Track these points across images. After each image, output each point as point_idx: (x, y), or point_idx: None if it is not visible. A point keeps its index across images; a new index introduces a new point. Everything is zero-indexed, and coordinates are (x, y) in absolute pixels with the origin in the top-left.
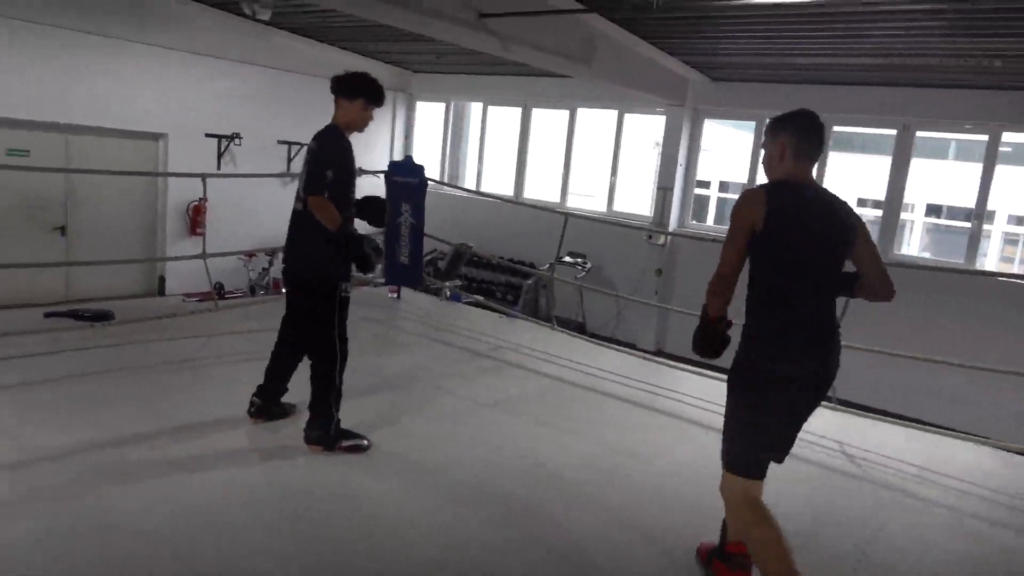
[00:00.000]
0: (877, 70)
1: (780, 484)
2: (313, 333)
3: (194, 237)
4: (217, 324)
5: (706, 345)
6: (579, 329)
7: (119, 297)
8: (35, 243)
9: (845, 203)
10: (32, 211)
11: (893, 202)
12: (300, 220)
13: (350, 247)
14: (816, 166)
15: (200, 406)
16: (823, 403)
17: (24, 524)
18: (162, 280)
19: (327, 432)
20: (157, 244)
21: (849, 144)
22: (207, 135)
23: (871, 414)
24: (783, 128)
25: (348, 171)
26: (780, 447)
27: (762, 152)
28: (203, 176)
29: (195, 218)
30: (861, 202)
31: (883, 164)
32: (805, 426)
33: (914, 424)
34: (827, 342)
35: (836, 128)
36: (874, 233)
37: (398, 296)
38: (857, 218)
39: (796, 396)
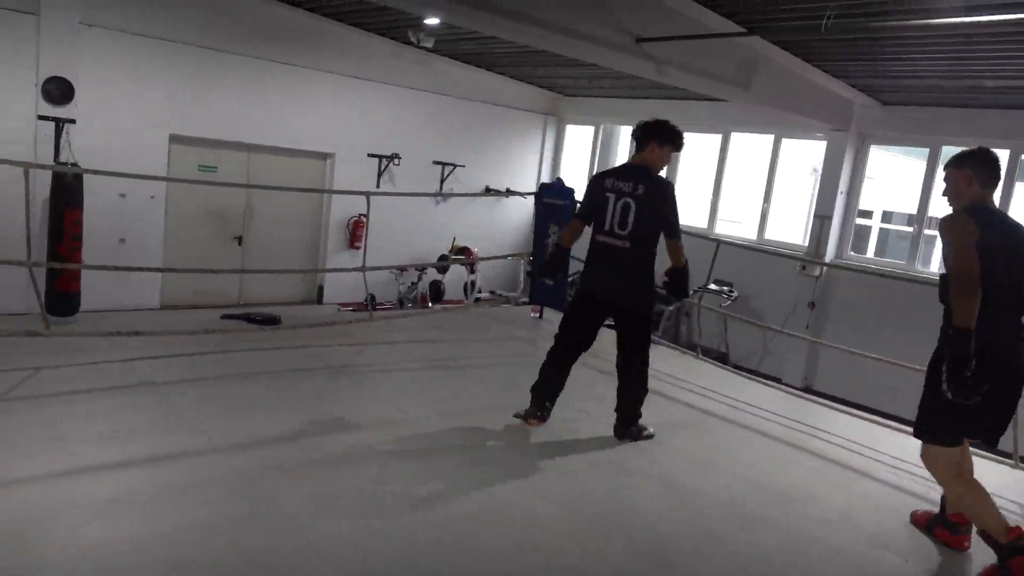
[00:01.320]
0: None
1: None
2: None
3: (351, 250)
4: (370, 333)
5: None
6: (721, 359)
7: (283, 303)
8: (217, 251)
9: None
10: (216, 221)
11: None
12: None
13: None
14: (998, 196)
15: (354, 409)
16: (1002, 459)
17: (199, 510)
18: (321, 289)
19: (631, 425)
20: (319, 255)
21: None
22: (369, 155)
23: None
24: (969, 162)
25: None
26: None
27: (943, 184)
28: (367, 193)
29: (355, 232)
30: None
31: None
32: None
33: None
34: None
35: None
36: None
37: (540, 316)
38: None
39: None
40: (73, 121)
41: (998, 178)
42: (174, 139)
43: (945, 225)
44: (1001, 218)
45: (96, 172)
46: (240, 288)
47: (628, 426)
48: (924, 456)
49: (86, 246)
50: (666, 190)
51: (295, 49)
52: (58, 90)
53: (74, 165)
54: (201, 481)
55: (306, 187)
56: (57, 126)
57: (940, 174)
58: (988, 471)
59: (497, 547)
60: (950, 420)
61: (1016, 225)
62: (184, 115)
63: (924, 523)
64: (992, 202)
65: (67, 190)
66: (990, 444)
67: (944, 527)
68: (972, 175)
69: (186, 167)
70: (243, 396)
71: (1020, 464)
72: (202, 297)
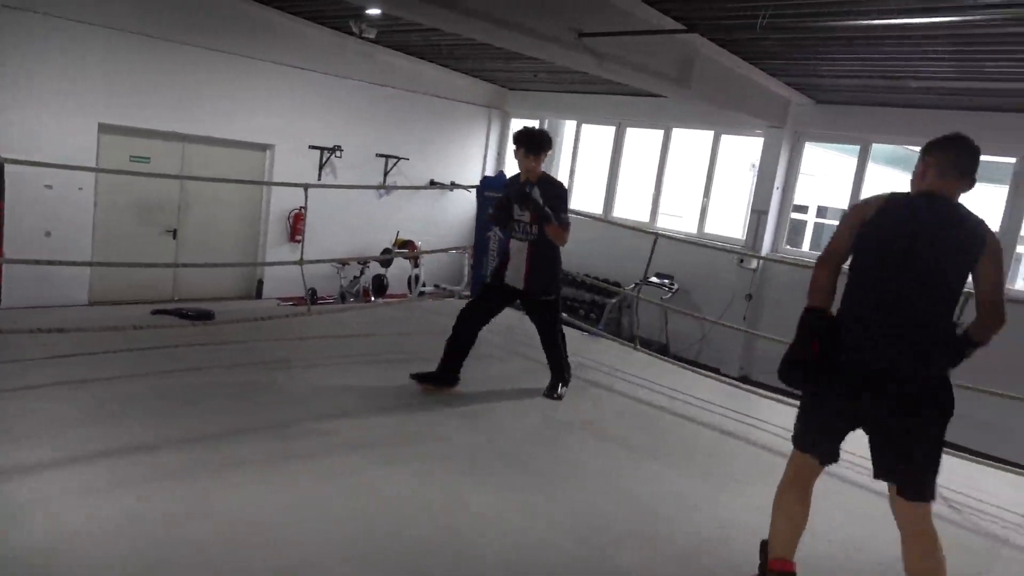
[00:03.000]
0: (995, 95)
1: (871, 521)
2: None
3: (292, 244)
4: (310, 328)
5: (788, 355)
6: (662, 350)
7: (220, 298)
8: (149, 244)
9: (980, 221)
10: (149, 214)
11: (1008, 234)
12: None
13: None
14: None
15: (291, 405)
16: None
17: (120, 508)
18: (260, 284)
19: (558, 383)
20: (258, 249)
21: None
22: (310, 147)
23: (971, 456)
24: (932, 148)
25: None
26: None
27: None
28: (305, 186)
29: (295, 226)
30: None
31: (998, 194)
32: None
33: (1020, 470)
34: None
35: None
36: None
37: None
38: (987, 236)
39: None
40: None
41: (962, 168)
42: (104, 128)
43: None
44: (926, 204)
45: (19, 162)
46: (175, 283)
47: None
48: None
49: (8, 239)
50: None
51: (233, 38)
52: None
53: None
54: (126, 480)
55: (244, 179)
56: None
57: (871, 170)
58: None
59: (436, 538)
60: (800, 421)
61: (945, 215)
62: (115, 104)
63: None
64: (950, 193)
65: None
66: (822, 462)
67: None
68: (932, 163)
69: (117, 158)
70: (172, 393)
71: None
72: (134, 292)
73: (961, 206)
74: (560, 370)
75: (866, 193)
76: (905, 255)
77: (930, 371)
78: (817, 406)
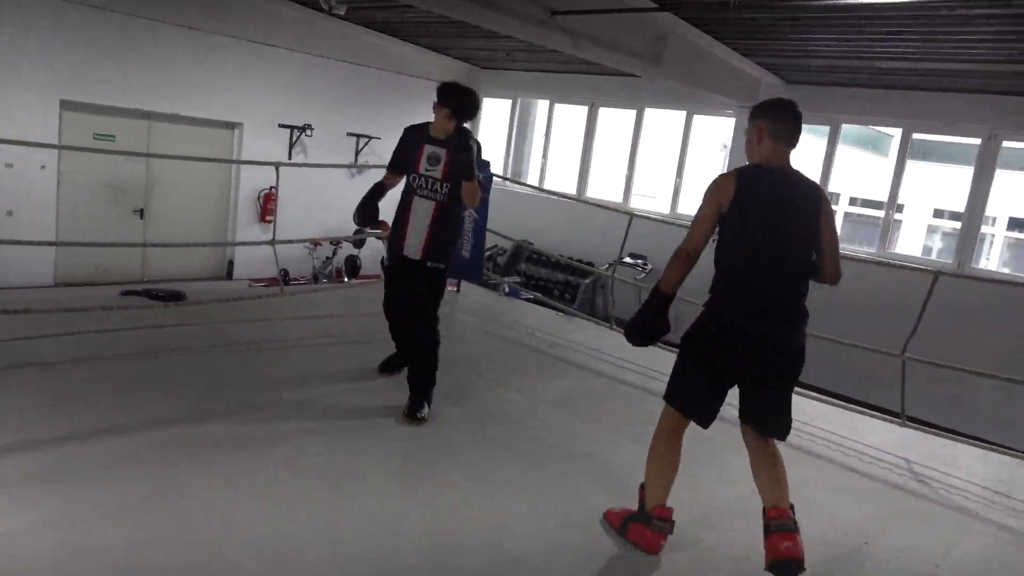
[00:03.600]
0: (963, 76)
1: (843, 498)
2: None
3: (263, 224)
4: (282, 309)
5: (642, 326)
6: None
7: (190, 279)
8: (116, 224)
9: (815, 184)
10: (115, 193)
11: (973, 214)
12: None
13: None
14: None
15: (263, 387)
16: (891, 419)
17: (90, 494)
18: (231, 264)
19: (423, 399)
20: (228, 229)
21: (928, 153)
22: (280, 125)
23: (942, 432)
24: (761, 112)
25: (400, 154)
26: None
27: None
28: (276, 165)
29: (265, 206)
30: (938, 213)
31: (964, 174)
32: (871, 440)
33: (989, 445)
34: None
35: (916, 135)
36: (951, 246)
37: (457, 289)
38: (821, 197)
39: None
40: None
41: (795, 131)
42: (66, 105)
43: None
44: (775, 178)
45: None
46: (143, 263)
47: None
48: None
49: None
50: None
51: (200, 13)
52: None
53: None
54: (93, 464)
55: (212, 158)
56: None
57: (840, 152)
58: (876, 428)
59: (416, 525)
60: (682, 384)
61: (792, 185)
62: (77, 80)
63: (619, 521)
64: (785, 159)
65: None
66: (701, 423)
67: (640, 522)
68: (764, 127)
69: (81, 135)
70: (141, 375)
71: (907, 423)
72: (101, 274)
73: (798, 172)
74: (430, 380)
75: (836, 173)
76: (772, 234)
77: (797, 340)
78: (704, 370)
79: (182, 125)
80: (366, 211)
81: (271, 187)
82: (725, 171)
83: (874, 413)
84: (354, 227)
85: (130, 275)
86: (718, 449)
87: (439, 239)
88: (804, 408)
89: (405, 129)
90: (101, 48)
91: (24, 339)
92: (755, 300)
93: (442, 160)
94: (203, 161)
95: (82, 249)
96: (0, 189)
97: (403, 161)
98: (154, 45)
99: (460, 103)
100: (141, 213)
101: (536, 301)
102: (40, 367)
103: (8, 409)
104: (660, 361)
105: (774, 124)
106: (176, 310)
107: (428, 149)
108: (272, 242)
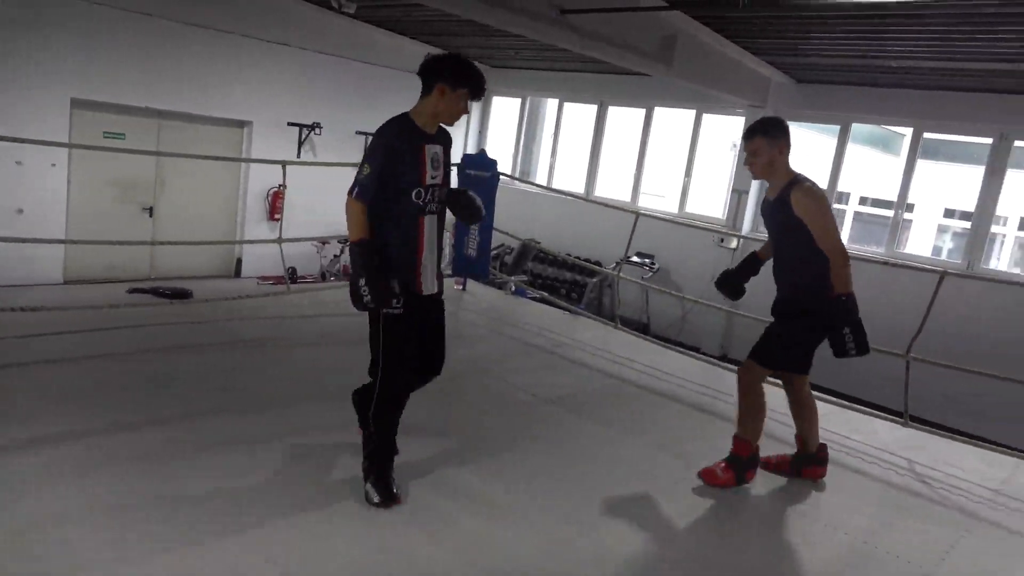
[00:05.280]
0: (975, 75)
1: (844, 498)
2: (371, 344)
3: (271, 222)
4: (288, 307)
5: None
6: (643, 329)
7: (198, 277)
8: (125, 222)
9: None
10: (124, 192)
11: (984, 214)
12: None
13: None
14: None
15: (269, 384)
16: (894, 419)
17: (98, 491)
18: (239, 262)
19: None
20: (236, 227)
21: (937, 152)
22: (289, 124)
23: (945, 433)
24: (781, 133)
25: (393, 163)
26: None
27: (757, 155)
28: (283, 163)
29: (274, 204)
30: (948, 213)
31: (974, 174)
32: (874, 440)
33: (992, 446)
34: None
35: (927, 135)
36: (960, 246)
37: (464, 288)
38: None
39: None
40: None
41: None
42: (77, 103)
43: (812, 197)
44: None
45: None
46: (151, 261)
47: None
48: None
49: None
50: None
51: (210, 11)
52: None
53: None
54: (100, 461)
55: (221, 156)
56: None
57: (850, 151)
58: (879, 428)
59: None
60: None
61: None
62: (88, 79)
63: (786, 467)
64: None
65: None
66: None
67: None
68: (784, 146)
69: (91, 134)
70: (148, 373)
71: (910, 423)
72: (110, 271)
73: None
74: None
75: (846, 172)
76: None
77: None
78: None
79: (192, 123)
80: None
81: (279, 185)
82: (811, 182)
83: (878, 413)
84: None
85: (139, 273)
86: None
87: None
88: None
89: (389, 126)
90: (112, 46)
91: (33, 336)
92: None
93: (441, 160)
94: (212, 159)
95: (91, 247)
96: (10, 187)
97: (396, 173)
98: (165, 44)
99: (479, 82)
100: (150, 211)
101: (543, 300)
102: (48, 364)
103: (18, 406)
104: (666, 361)
105: (788, 143)
106: (182, 308)
107: (430, 150)
108: (279, 240)
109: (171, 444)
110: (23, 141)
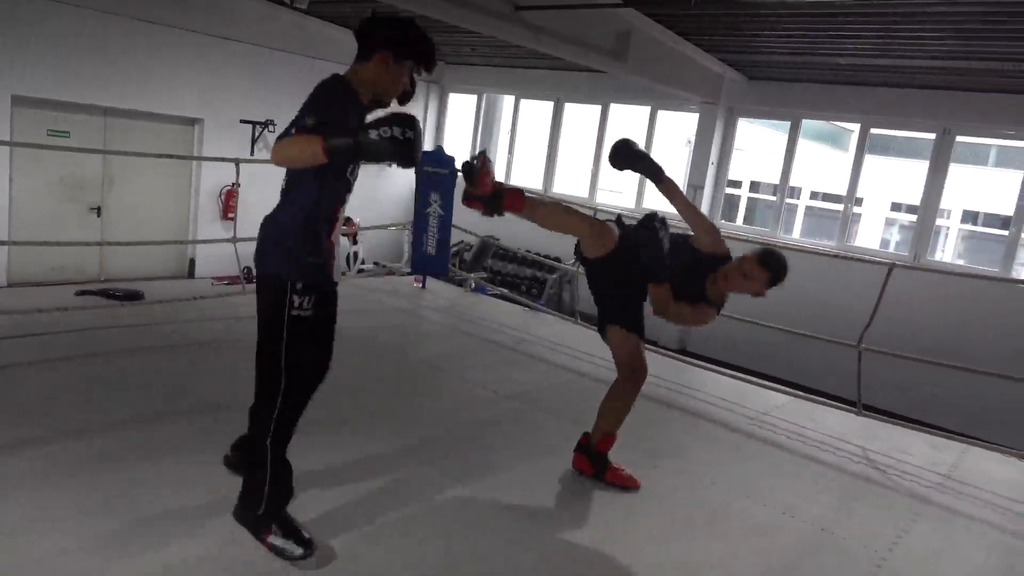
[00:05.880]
0: (919, 72)
1: (800, 486)
2: (259, 355)
3: (225, 221)
4: (243, 307)
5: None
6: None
7: (150, 278)
8: (72, 222)
9: None
10: (70, 191)
11: (928, 207)
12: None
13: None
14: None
15: (222, 387)
16: (848, 408)
17: (51, 496)
18: (192, 263)
19: (253, 511)
20: (189, 227)
21: (885, 148)
22: (242, 121)
23: (897, 420)
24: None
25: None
26: None
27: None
28: (236, 161)
29: (227, 203)
30: (895, 206)
31: (919, 168)
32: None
33: (941, 432)
34: None
35: (874, 130)
36: (907, 239)
37: (423, 285)
38: None
39: None
40: None
41: None
42: (18, 101)
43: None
44: None
45: None
46: (101, 263)
47: (245, 511)
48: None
49: None
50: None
51: (157, 6)
52: None
53: None
54: (47, 470)
55: (171, 154)
56: None
57: (801, 146)
58: (832, 417)
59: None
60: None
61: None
62: (29, 75)
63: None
64: None
65: None
66: None
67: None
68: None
69: (34, 132)
70: (99, 377)
71: (863, 412)
72: (57, 273)
73: None
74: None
75: (797, 167)
76: None
77: None
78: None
79: (141, 121)
80: None
81: (233, 183)
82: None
83: (831, 403)
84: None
85: (88, 275)
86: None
87: None
88: (763, 398)
89: (335, 87)
90: (54, 42)
91: None
92: None
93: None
94: (162, 157)
95: (36, 248)
96: None
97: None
98: (110, 39)
99: (430, 54)
100: (98, 211)
101: (503, 297)
102: None
103: None
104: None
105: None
106: (134, 309)
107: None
108: (234, 239)
109: (124, 448)
110: None
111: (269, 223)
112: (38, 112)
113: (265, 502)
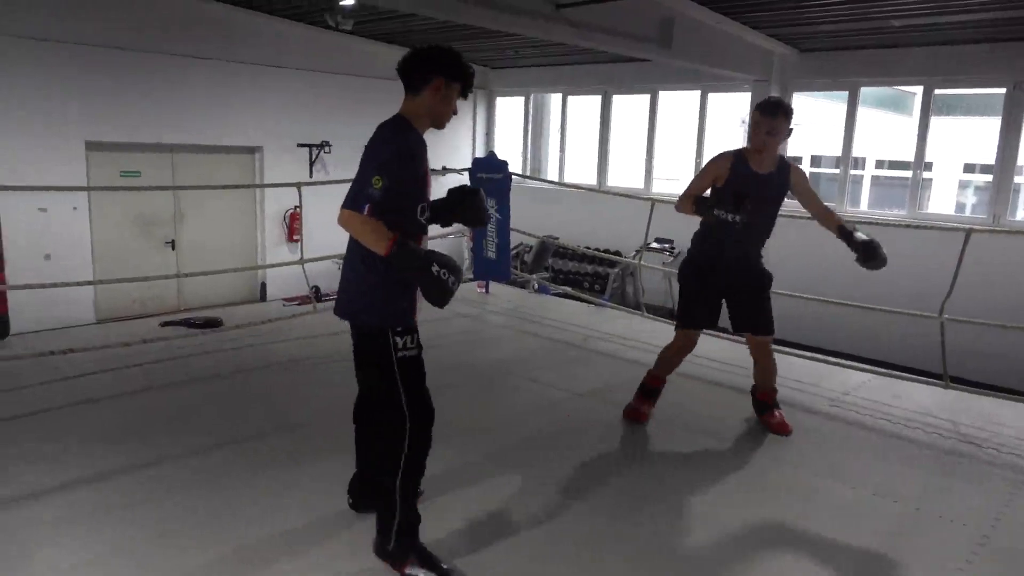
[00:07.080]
0: (982, 26)
1: (892, 466)
2: (376, 399)
3: (291, 243)
4: (316, 326)
5: None
6: (669, 315)
7: (225, 304)
8: (149, 257)
9: None
10: (145, 227)
11: (1005, 166)
12: (351, 244)
13: (407, 266)
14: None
15: (304, 405)
16: (934, 382)
17: (151, 517)
18: (264, 286)
19: (386, 542)
20: (257, 252)
21: (952, 108)
22: (299, 145)
23: (987, 391)
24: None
25: (409, 175)
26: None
27: (777, 134)
28: (298, 185)
29: (292, 225)
30: (968, 168)
31: (991, 126)
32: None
33: None
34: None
35: (938, 91)
36: (982, 199)
37: (487, 291)
38: None
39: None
40: None
41: None
42: (91, 146)
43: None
44: None
45: (8, 188)
46: (179, 293)
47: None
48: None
49: (8, 265)
50: (373, 143)
51: (207, 42)
52: None
53: None
54: (151, 495)
55: (235, 184)
56: None
57: (862, 115)
58: (918, 393)
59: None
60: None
61: None
62: (99, 120)
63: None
64: None
65: None
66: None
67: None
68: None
69: (107, 174)
70: (188, 403)
71: (950, 385)
72: (140, 306)
73: None
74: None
75: (859, 137)
76: None
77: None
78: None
79: (204, 154)
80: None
81: (295, 207)
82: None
83: (917, 377)
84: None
85: (168, 305)
86: None
87: None
88: (845, 378)
89: (401, 130)
90: (119, 87)
91: (73, 378)
92: None
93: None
94: (227, 189)
95: (119, 284)
96: (36, 234)
97: (402, 189)
98: (168, 78)
99: (472, 76)
100: (172, 244)
101: (566, 295)
102: (89, 403)
103: (67, 447)
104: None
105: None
106: (215, 336)
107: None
108: (301, 261)
109: (220, 469)
110: (42, 189)
111: (352, 270)
112: (109, 155)
113: (397, 536)
